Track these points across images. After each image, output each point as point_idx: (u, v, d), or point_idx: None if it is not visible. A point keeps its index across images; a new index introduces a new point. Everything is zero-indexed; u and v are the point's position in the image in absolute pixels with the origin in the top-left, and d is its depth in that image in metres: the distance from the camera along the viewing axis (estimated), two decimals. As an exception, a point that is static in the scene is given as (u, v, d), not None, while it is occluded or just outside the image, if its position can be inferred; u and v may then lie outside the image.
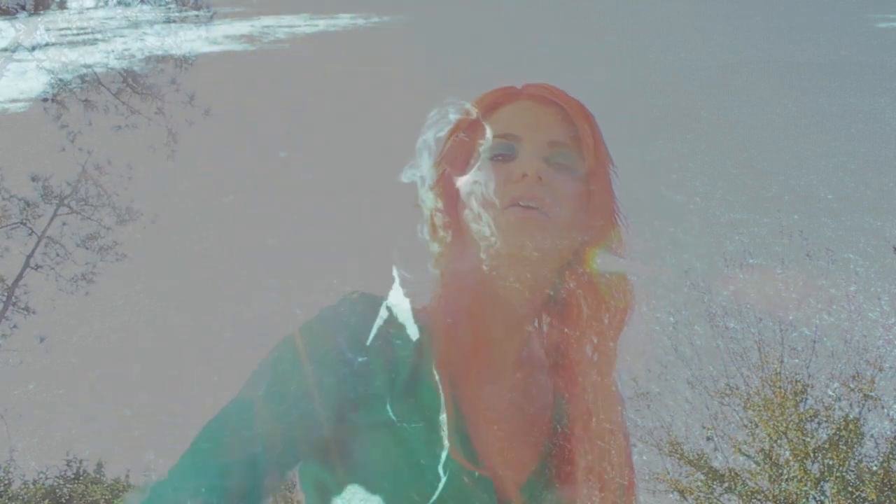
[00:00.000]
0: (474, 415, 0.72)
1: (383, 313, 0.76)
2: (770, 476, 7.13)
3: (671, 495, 7.83)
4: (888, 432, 7.09)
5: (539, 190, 0.73)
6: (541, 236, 0.72)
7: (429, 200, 0.78)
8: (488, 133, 0.79)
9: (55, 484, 14.34)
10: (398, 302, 0.78)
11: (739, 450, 7.44)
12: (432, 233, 0.78)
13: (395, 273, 0.84)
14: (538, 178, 0.73)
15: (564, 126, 0.78)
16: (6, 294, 12.47)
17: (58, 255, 13.08)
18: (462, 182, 0.79)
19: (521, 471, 0.74)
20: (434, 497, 0.67)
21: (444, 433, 0.69)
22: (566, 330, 0.80)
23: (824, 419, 7.16)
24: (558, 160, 0.76)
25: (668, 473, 7.83)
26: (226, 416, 0.68)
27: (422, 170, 0.80)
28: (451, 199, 0.80)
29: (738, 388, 7.75)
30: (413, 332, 0.75)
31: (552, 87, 0.81)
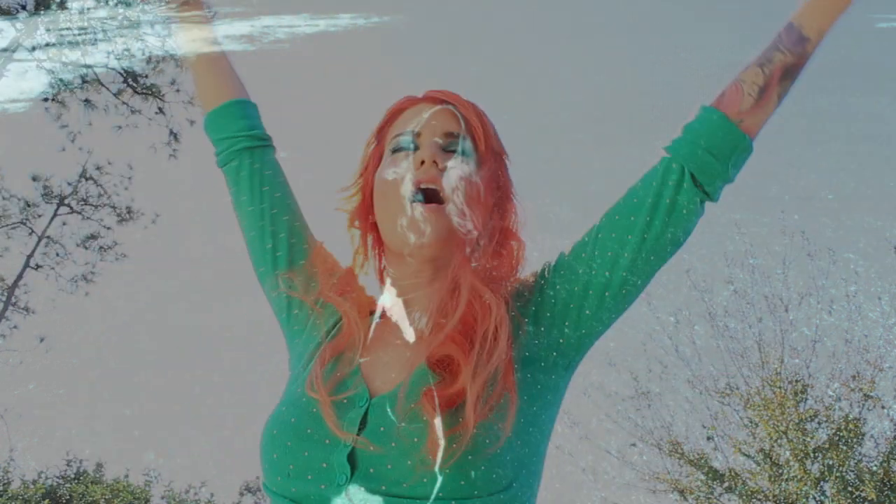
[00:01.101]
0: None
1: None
2: (770, 476, 7.13)
3: (671, 495, 7.83)
4: (888, 432, 7.09)
5: (436, 173, 0.85)
6: (443, 223, 0.84)
7: (408, 195, 0.85)
8: (392, 134, 0.93)
9: (55, 484, 14.34)
10: (392, 299, 0.89)
11: (739, 450, 7.44)
12: (411, 224, 0.84)
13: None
14: (433, 163, 0.85)
15: (457, 121, 0.90)
16: (6, 294, 12.47)
17: (57, 255, 13.09)
18: (375, 179, 0.92)
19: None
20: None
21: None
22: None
23: (824, 419, 7.16)
24: (452, 148, 0.88)
25: (668, 473, 7.83)
26: None
27: (401, 168, 0.87)
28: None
29: (738, 388, 7.75)
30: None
31: (449, 91, 0.94)
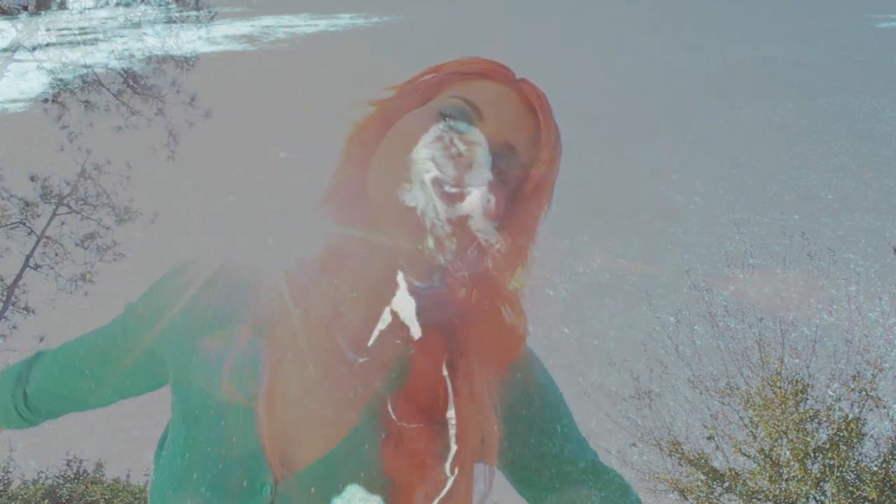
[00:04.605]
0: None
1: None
2: (770, 476, 7.13)
3: (671, 495, 7.82)
4: (888, 432, 7.09)
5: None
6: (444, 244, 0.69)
7: (433, 213, 0.70)
8: (454, 89, 0.78)
9: (55, 484, 14.34)
10: (405, 306, 0.72)
11: (739, 450, 7.44)
12: (437, 245, 0.70)
13: (399, 279, 0.73)
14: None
15: (530, 135, 0.76)
16: (6, 294, 12.47)
17: (57, 254, 13.09)
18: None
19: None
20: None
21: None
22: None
23: (824, 419, 7.16)
24: (501, 163, 0.73)
25: (669, 473, 7.82)
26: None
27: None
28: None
29: (738, 388, 7.75)
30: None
31: (543, 96, 0.79)
